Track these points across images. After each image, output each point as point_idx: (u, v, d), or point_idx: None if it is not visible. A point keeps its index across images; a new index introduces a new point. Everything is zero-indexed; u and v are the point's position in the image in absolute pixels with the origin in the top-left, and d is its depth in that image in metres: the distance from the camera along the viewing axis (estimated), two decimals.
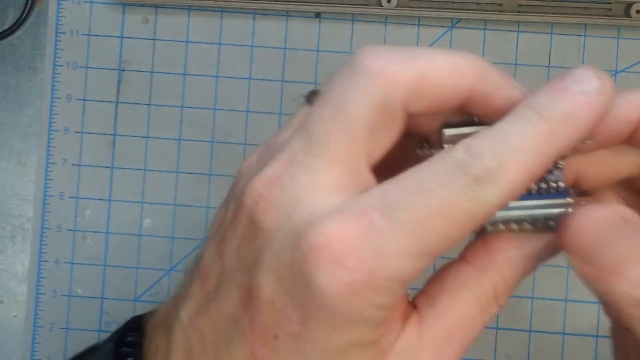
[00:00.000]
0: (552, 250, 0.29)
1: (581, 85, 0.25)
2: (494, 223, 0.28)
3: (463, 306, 0.27)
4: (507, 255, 0.29)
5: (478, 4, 0.53)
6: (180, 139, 0.56)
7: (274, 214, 0.25)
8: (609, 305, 0.26)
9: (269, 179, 0.25)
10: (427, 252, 0.24)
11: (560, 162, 0.28)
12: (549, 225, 0.29)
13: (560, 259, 0.55)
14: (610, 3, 0.53)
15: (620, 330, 0.31)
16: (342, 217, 0.24)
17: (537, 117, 0.25)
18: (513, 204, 0.28)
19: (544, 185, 0.28)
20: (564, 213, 0.28)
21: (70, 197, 0.56)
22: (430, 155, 0.26)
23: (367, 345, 0.26)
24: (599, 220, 0.26)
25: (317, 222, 0.24)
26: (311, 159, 0.25)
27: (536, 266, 0.29)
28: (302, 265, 0.24)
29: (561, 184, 0.28)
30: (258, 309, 0.25)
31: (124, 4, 0.55)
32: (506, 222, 0.28)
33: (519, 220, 0.28)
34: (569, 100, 0.25)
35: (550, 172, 0.28)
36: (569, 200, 0.28)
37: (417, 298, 0.28)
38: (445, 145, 0.27)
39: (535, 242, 0.29)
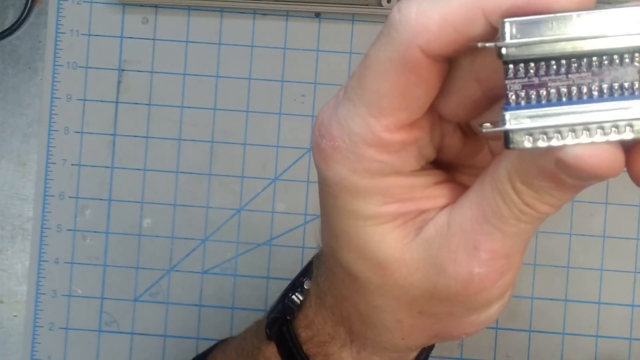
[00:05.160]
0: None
1: None
2: (545, 133, 0.25)
3: (484, 195, 0.27)
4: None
5: None
6: (180, 139, 0.56)
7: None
8: None
9: (327, 106, 0.29)
10: (373, 109, 0.27)
11: (638, 57, 0.25)
12: (623, 132, 0.25)
13: (561, 259, 0.55)
14: (610, 3, 0.53)
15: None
16: (328, 102, 0.29)
17: None
18: (580, 106, 0.25)
19: (615, 85, 0.25)
20: None
21: (70, 197, 0.56)
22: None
23: (371, 216, 0.28)
24: None
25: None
26: (352, 103, 0.28)
27: (551, 169, 0.26)
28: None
29: (637, 84, 0.25)
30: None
31: (124, 4, 0.55)
32: (570, 127, 0.25)
33: (590, 127, 0.24)
34: None
35: (622, 66, 0.25)
36: None
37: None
38: (504, 35, 0.24)
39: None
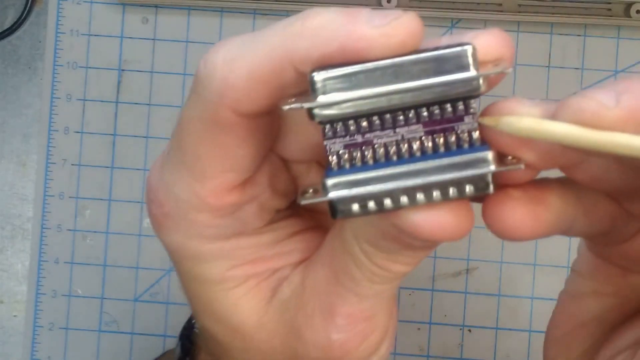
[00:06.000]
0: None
1: (371, 21, 0.21)
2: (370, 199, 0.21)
3: (334, 255, 0.25)
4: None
5: (478, 4, 0.53)
6: None
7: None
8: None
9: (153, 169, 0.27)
10: (196, 174, 0.24)
11: (473, 105, 0.21)
12: (463, 191, 0.21)
13: (561, 259, 0.55)
14: (610, 3, 0.53)
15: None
16: (156, 160, 0.26)
17: (293, 22, 0.22)
18: (411, 166, 0.21)
19: (452, 139, 0.21)
20: (485, 174, 0.21)
21: (70, 197, 0.56)
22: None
23: (219, 282, 0.26)
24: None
25: None
26: (175, 166, 0.26)
27: (393, 232, 0.23)
28: None
29: (475, 134, 0.21)
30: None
31: (124, 4, 0.55)
32: (403, 190, 0.21)
33: (426, 188, 0.21)
34: (343, 22, 0.21)
35: (459, 118, 0.21)
36: (490, 155, 0.21)
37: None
38: (316, 93, 0.21)
39: None
